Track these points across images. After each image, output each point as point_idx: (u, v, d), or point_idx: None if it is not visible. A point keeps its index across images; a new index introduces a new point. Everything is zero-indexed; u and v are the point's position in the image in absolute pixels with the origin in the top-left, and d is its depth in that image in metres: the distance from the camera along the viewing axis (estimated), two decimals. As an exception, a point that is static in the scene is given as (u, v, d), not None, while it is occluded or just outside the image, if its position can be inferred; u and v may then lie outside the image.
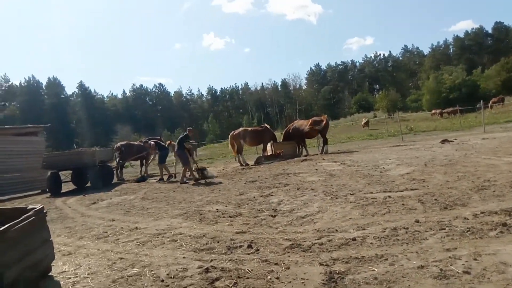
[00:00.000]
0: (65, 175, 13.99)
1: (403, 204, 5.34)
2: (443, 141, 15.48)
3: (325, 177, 8.79)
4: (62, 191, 12.62)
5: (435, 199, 5.43)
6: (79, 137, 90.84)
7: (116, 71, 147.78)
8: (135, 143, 16.80)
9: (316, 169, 10.44)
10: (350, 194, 6.48)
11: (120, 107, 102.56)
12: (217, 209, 6.42)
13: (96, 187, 11.91)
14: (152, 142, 13.56)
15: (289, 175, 9.81)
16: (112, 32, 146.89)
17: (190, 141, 13.32)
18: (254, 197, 7.22)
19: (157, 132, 68.65)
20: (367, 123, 40.79)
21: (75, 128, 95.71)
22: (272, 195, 7.25)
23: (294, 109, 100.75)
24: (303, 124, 16.85)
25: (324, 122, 16.46)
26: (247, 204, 6.72)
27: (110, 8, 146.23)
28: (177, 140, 12.48)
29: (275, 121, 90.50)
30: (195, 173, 11.79)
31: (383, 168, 9.25)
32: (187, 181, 11.34)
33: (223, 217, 5.86)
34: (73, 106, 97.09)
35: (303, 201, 6.40)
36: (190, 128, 13.12)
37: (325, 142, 16.52)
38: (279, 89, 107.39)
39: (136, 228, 5.57)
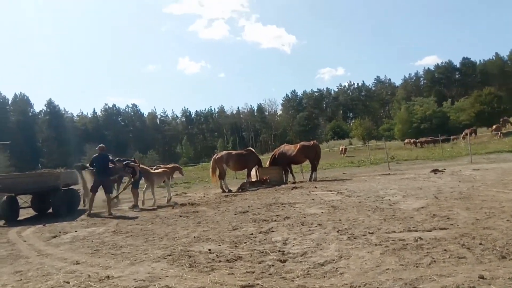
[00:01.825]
0: (23, 199, 12.26)
1: (445, 250, 4.35)
2: (434, 171, 14.89)
3: (328, 209, 7.76)
4: (20, 218, 10.97)
5: (480, 244, 4.48)
6: (45, 157, 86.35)
7: (87, 90, 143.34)
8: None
9: (313, 199, 9.40)
10: (369, 233, 5.45)
11: (90, 127, 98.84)
12: (209, 250, 5.22)
13: (59, 214, 10.31)
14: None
15: (284, 206, 8.72)
16: (86, 50, 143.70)
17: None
18: (252, 234, 6.05)
19: (128, 154, 66.05)
20: (344, 150, 40.64)
21: (41, 147, 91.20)
22: (273, 231, 6.11)
23: (269, 134, 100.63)
24: (291, 149, 15.91)
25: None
26: (245, 242, 5.56)
27: (85, 26, 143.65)
28: (94, 161, 10.82)
29: (250, 145, 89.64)
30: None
31: (389, 200, 8.34)
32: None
33: (219, 261, 4.67)
34: (41, 124, 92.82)
35: (314, 240, 5.31)
36: (103, 145, 11.34)
37: (314, 168, 15.60)
38: (255, 114, 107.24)
39: (108, 277, 4.26)
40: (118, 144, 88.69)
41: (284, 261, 4.50)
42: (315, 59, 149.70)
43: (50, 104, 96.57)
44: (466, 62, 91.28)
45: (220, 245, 5.49)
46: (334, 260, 4.38)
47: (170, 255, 5.10)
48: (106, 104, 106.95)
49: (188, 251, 5.25)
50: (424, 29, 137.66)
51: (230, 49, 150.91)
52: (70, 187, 11.76)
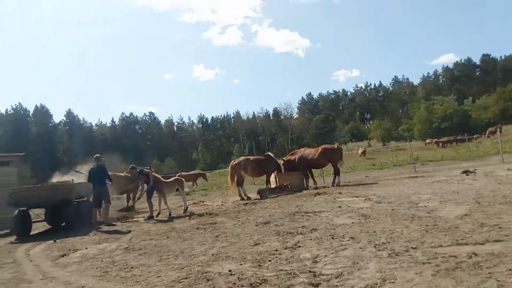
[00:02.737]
0: (36, 214, 11.89)
1: (510, 270, 3.62)
2: (466, 172, 13.94)
3: (358, 218, 7.04)
4: (33, 233, 10.59)
5: (552, 261, 3.74)
6: (66, 167, 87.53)
7: (105, 99, 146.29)
8: (121, 174, 14.94)
9: (339, 207, 8.70)
10: (412, 248, 4.74)
11: (109, 136, 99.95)
12: (229, 271, 4.60)
13: (72, 228, 9.89)
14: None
15: (309, 215, 8.04)
16: (102, 60, 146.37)
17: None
18: (277, 250, 5.41)
19: (146, 162, 66.16)
20: (364, 152, 39.55)
21: (61, 157, 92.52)
22: (299, 247, 5.45)
23: (286, 138, 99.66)
24: (311, 152, 15.20)
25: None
26: (270, 261, 4.91)
27: (101, 37, 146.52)
28: (91, 173, 10.92)
29: (267, 150, 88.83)
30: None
31: (425, 206, 7.57)
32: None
33: (241, 285, 4.04)
34: (60, 135, 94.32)
35: (349, 258, 4.62)
36: (99, 155, 11.33)
37: (337, 172, 14.86)
38: (271, 118, 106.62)
39: (114, 309, 3.71)
40: (136, 152, 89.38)
41: (317, 286, 3.85)
42: (330, 61, 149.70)
43: (69, 114, 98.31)
44: (486, 58, 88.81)
45: (241, 264, 4.87)
46: (377, 284, 3.70)
47: (186, 278, 4.51)
48: (123, 113, 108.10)
49: (205, 272, 4.65)
50: (439, 27, 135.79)
51: (244, 55, 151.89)
52: (84, 199, 11.32)
